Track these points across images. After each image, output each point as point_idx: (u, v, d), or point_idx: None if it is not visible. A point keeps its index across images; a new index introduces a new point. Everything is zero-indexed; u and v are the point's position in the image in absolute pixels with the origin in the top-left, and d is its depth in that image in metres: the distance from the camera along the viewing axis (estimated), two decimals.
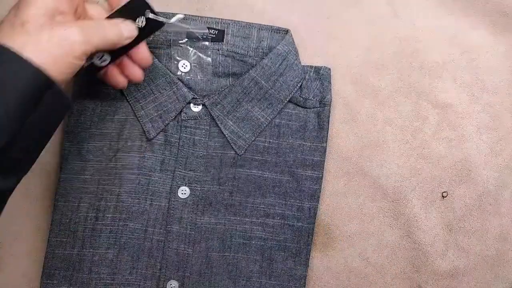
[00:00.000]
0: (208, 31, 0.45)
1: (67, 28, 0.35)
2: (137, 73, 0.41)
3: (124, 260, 0.45)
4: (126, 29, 0.39)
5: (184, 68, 0.46)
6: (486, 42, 0.49)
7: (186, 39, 0.46)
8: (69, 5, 0.36)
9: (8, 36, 0.33)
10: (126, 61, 0.40)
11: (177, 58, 0.46)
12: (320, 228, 0.47)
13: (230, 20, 0.46)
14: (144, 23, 0.39)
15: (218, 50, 0.46)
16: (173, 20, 0.41)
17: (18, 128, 0.32)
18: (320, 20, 0.50)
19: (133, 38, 0.39)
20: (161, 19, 0.40)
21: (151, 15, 0.39)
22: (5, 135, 0.31)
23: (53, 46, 0.34)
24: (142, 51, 0.41)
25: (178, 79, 0.45)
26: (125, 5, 0.39)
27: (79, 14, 0.37)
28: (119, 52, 0.39)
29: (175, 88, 0.45)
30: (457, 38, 0.49)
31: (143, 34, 0.40)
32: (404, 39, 0.49)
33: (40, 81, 0.33)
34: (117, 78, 0.41)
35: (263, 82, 0.45)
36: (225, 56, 0.46)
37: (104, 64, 0.39)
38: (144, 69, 0.42)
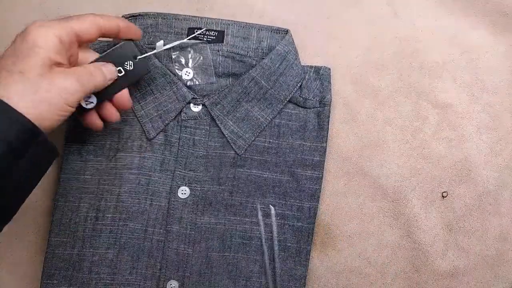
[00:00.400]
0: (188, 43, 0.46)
1: (65, 78, 0.36)
2: (114, 115, 0.42)
3: (124, 260, 0.45)
4: (108, 71, 0.40)
5: (187, 75, 0.46)
6: (486, 42, 0.49)
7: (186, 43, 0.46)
8: (66, 57, 0.37)
9: (4, 84, 0.33)
10: (105, 103, 0.41)
11: (179, 62, 0.46)
12: (320, 228, 0.47)
13: (230, 20, 0.46)
14: (132, 66, 0.41)
15: (218, 51, 0.46)
16: (156, 50, 0.43)
17: (4, 175, 0.33)
18: (320, 20, 0.50)
19: (114, 80, 0.40)
20: (149, 53, 0.42)
21: (138, 57, 0.41)
22: None
23: (52, 96, 0.35)
24: (124, 95, 0.42)
25: (178, 79, 0.46)
26: (113, 50, 0.40)
27: (72, 61, 0.39)
28: (104, 94, 0.40)
29: (175, 88, 0.45)
30: (457, 38, 0.49)
31: (131, 77, 0.41)
32: (404, 39, 0.49)
33: (28, 131, 0.33)
34: (95, 120, 0.41)
35: (263, 82, 0.45)
36: (225, 57, 0.46)
37: (90, 106, 0.40)
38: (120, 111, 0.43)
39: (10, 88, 0.34)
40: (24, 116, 0.33)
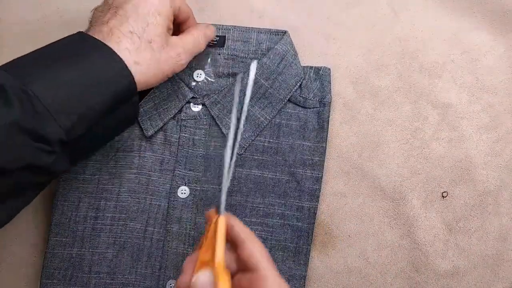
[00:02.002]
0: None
1: (177, 50, 0.39)
2: None
3: (124, 259, 0.45)
4: (210, 32, 0.44)
5: (199, 77, 0.46)
6: (486, 42, 0.49)
7: None
8: (171, 21, 0.40)
9: (133, 51, 0.36)
10: None
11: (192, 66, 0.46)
12: (320, 228, 0.47)
13: (230, 25, 0.47)
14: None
15: (219, 54, 0.46)
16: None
17: (96, 124, 0.35)
18: (320, 20, 0.50)
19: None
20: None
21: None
22: (84, 127, 0.34)
23: (167, 66, 0.38)
24: None
25: (179, 78, 0.46)
26: None
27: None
28: None
29: (175, 87, 0.45)
30: (457, 38, 0.49)
31: None
32: (404, 39, 0.49)
33: (131, 90, 0.36)
34: None
35: (262, 80, 0.45)
36: (226, 59, 0.46)
37: None
38: None
39: (140, 55, 0.36)
40: (132, 76, 0.35)
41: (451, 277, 0.46)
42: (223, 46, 0.47)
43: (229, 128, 0.35)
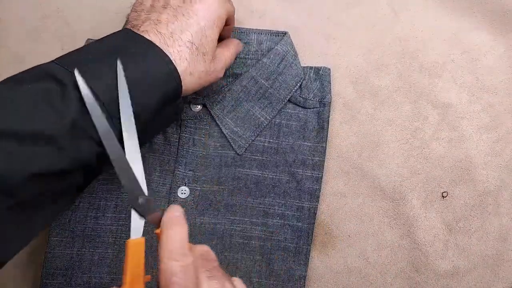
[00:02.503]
0: None
1: (222, 66, 0.40)
2: None
3: (124, 260, 0.44)
4: (241, 49, 0.45)
5: None
6: (486, 42, 0.49)
7: None
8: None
9: (191, 62, 0.37)
10: None
11: None
12: (320, 228, 0.47)
13: None
14: None
15: None
16: None
17: (144, 123, 0.35)
18: (320, 21, 0.50)
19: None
20: None
21: None
22: (136, 127, 0.34)
23: (211, 78, 0.39)
24: None
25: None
26: None
27: None
28: None
29: None
30: (457, 38, 0.49)
31: None
32: (404, 39, 0.49)
33: (177, 93, 0.36)
34: None
35: (262, 81, 0.45)
36: None
37: None
38: None
39: (195, 66, 0.37)
40: (180, 78, 0.36)
41: (451, 277, 0.46)
42: None
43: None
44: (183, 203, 0.45)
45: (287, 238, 0.45)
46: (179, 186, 0.45)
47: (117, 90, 0.32)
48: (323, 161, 0.46)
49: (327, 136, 0.46)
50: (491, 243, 0.47)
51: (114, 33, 0.37)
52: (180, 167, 0.45)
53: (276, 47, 0.46)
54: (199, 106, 0.46)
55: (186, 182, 0.45)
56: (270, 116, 0.46)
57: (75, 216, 0.45)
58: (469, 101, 0.48)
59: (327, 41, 0.49)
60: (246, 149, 0.46)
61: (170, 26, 0.36)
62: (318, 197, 0.46)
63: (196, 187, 0.45)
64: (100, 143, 0.32)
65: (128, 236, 0.31)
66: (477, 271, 0.46)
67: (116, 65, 0.33)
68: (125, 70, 0.33)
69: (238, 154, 0.46)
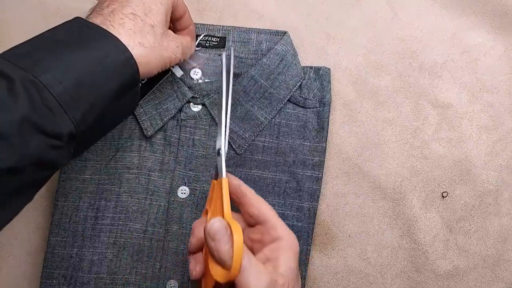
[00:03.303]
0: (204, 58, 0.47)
1: (176, 42, 0.39)
2: None
3: (124, 259, 0.44)
4: (193, 46, 0.45)
5: (196, 74, 0.46)
6: (486, 42, 0.49)
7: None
8: (169, 14, 0.40)
9: (138, 32, 0.36)
10: None
11: (189, 63, 0.47)
12: (320, 228, 0.47)
13: (230, 26, 0.47)
14: None
15: (219, 55, 0.47)
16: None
17: (102, 113, 0.34)
18: (320, 21, 0.50)
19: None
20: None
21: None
22: (93, 117, 0.34)
23: (167, 53, 0.38)
24: None
25: (179, 78, 0.46)
26: None
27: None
28: None
29: (175, 87, 0.45)
30: (457, 38, 0.49)
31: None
32: (404, 39, 0.49)
33: (135, 79, 0.36)
34: None
35: (262, 80, 0.45)
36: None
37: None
38: None
39: (143, 38, 0.36)
40: (137, 65, 0.35)
41: (451, 277, 0.46)
42: (224, 47, 0.47)
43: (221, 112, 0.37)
44: (183, 203, 0.45)
45: None
46: (179, 186, 0.45)
47: (68, 81, 0.31)
48: (323, 161, 0.46)
49: (327, 136, 0.46)
50: (491, 243, 0.47)
51: (65, 22, 0.36)
52: (180, 167, 0.45)
53: (275, 47, 0.46)
54: (199, 106, 0.46)
55: (186, 182, 0.45)
56: (270, 116, 0.46)
57: (75, 216, 0.45)
58: (469, 101, 0.48)
59: (327, 41, 0.49)
60: (246, 149, 0.46)
61: (111, 6, 0.36)
62: (318, 197, 0.46)
63: (196, 187, 0.45)
64: (56, 136, 0.31)
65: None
66: (477, 271, 0.46)
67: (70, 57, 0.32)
68: (78, 60, 0.32)
69: (237, 154, 0.46)
